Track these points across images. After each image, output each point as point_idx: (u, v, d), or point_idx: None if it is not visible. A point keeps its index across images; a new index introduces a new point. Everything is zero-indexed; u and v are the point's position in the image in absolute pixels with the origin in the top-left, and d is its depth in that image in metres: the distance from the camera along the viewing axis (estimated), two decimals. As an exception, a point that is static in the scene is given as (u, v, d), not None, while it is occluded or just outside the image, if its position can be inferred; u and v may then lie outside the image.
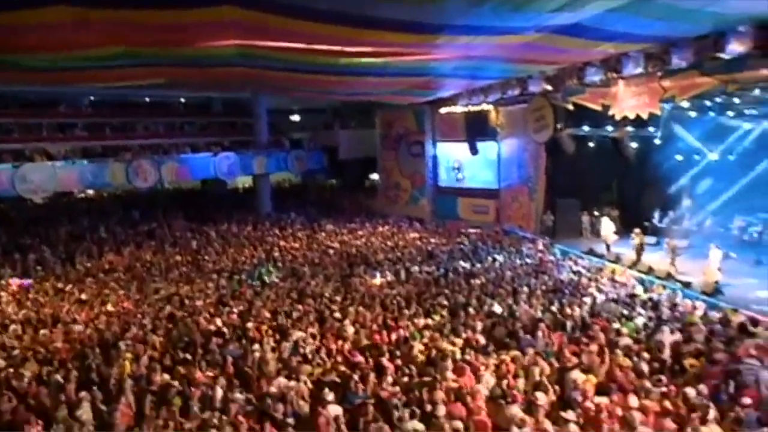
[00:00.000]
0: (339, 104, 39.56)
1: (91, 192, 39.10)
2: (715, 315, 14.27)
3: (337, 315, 14.45)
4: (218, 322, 14.22)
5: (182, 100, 36.56)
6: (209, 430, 8.52)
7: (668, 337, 12.35)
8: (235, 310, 15.46)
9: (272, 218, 32.44)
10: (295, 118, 43.52)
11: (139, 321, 14.87)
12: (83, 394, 9.72)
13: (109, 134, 33.04)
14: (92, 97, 34.42)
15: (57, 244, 25.78)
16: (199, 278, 19.47)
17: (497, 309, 14.82)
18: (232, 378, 10.49)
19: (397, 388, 9.94)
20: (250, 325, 13.70)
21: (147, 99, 35.93)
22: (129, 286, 19.26)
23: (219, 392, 9.80)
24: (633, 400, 9.02)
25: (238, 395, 9.66)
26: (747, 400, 9.07)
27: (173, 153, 31.89)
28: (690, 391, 9.31)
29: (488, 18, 11.90)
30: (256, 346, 12.01)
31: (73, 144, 30.79)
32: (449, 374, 10.57)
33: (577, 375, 10.19)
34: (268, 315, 14.82)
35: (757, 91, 16.24)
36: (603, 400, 9.21)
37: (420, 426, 8.39)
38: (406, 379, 10.47)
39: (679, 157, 23.77)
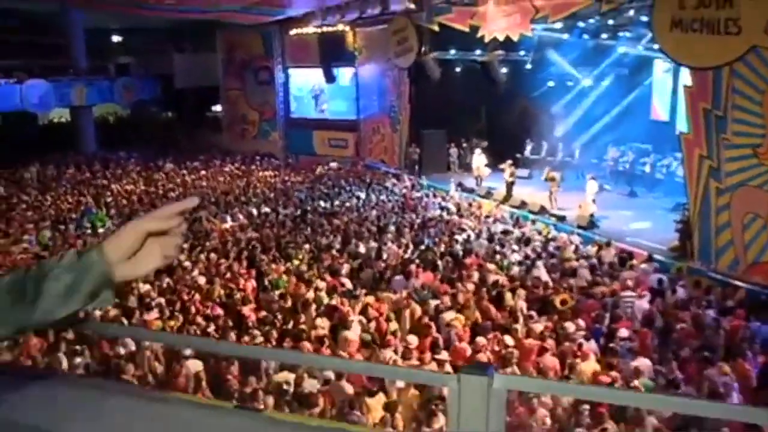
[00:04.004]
0: (172, 23, 37.78)
1: None
2: (591, 249, 15.36)
3: (187, 264, 14.28)
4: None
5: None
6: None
7: (544, 273, 13.23)
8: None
9: (99, 158, 31.05)
10: (118, 39, 41.24)
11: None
12: None
13: None
14: None
15: None
16: (13, 230, 18.41)
17: (363, 250, 15.19)
18: (72, 341, 10.16)
19: (261, 340, 10.06)
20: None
21: None
22: None
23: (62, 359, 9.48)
24: (509, 339, 9.65)
25: (79, 360, 9.42)
26: (624, 332, 9.96)
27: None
28: (569, 326, 10.10)
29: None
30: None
31: None
32: (317, 321, 10.84)
33: (449, 315, 10.73)
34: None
35: (631, 12, 17.30)
36: (481, 341, 9.77)
37: (291, 376, 8.59)
38: (269, 328, 10.61)
39: (551, 84, 24.89)
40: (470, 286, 12.12)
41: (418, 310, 11.34)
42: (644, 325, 10.82)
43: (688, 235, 14.93)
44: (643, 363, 9.11)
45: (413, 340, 9.83)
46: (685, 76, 15.27)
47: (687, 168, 14.67)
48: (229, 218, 19.29)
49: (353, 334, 10.15)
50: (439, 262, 14.21)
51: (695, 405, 1.53)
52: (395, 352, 9.54)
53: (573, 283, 12.75)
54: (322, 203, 21.15)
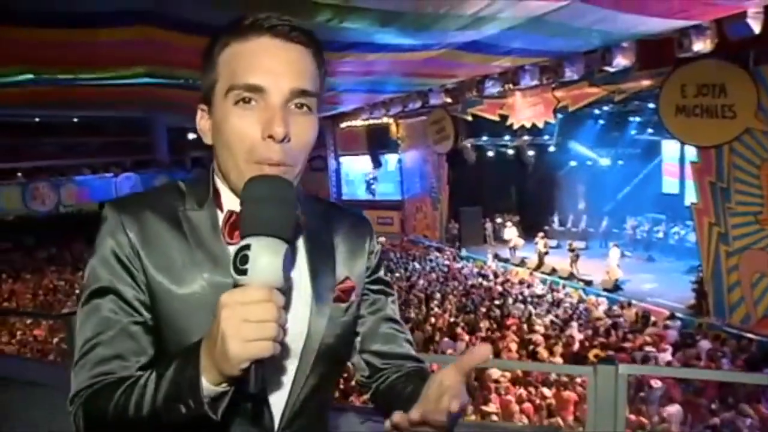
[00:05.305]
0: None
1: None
2: (616, 309, 15.63)
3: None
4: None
5: (75, 119, 35.29)
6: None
7: (576, 331, 13.48)
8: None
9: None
10: (193, 136, 42.98)
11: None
12: None
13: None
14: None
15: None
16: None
17: (413, 315, 15.56)
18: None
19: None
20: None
21: (36, 119, 34.35)
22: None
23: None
24: (547, 391, 9.93)
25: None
26: (656, 383, 10.16)
27: (71, 175, 30.82)
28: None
29: (396, 36, 12.68)
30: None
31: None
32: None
33: (495, 372, 11.01)
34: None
35: (640, 101, 17.93)
36: (522, 393, 10.08)
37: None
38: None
39: (573, 163, 25.43)
40: (512, 345, 12.39)
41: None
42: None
43: (703, 294, 15.10)
44: (674, 409, 9.29)
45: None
46: (691, 153, 15.71)
47: (699, 234, 14.93)
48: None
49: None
50: (482, 325, 14.54)
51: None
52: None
53: (604, 341, 12.97)
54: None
